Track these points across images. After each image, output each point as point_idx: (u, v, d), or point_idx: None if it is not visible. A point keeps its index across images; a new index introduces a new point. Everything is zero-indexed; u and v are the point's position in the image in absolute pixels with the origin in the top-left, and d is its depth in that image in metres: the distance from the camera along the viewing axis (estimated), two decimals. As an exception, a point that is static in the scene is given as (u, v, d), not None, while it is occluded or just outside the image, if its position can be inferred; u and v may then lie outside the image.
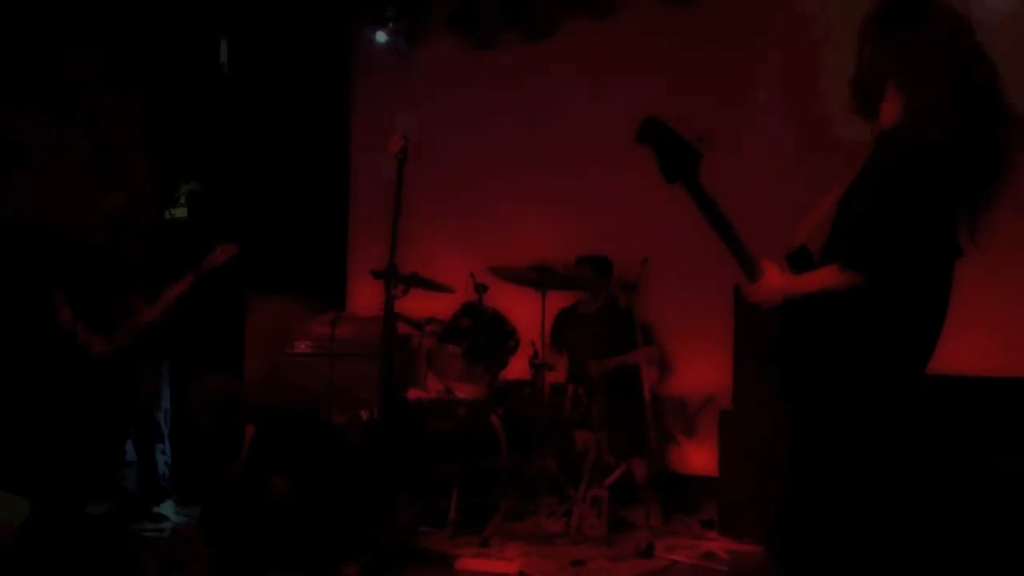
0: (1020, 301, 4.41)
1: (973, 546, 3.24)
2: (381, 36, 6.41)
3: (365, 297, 6.40)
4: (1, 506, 3.42)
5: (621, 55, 5.65)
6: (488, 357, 4.66)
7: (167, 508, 4.59)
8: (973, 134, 2.08)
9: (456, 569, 3.71)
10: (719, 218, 2.21)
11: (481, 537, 4.06)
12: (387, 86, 6.68)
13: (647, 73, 5.49)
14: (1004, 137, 2.12)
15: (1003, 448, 3.40)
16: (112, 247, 4.55)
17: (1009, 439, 3.41)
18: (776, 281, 2.26)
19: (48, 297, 4.38)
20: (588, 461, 4.40)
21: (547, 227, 5.78)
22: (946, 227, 2.14)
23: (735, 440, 4.32)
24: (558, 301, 5.11)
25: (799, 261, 2.28)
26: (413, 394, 4.98)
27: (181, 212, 5.87)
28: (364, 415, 4.72)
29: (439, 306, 4.85)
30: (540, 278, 4.57)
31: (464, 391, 4.87)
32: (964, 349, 3.11)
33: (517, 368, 4.91)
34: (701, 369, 5.18)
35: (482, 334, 4.63)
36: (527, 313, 4.75)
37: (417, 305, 4.56)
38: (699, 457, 5.08)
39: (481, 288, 4.77)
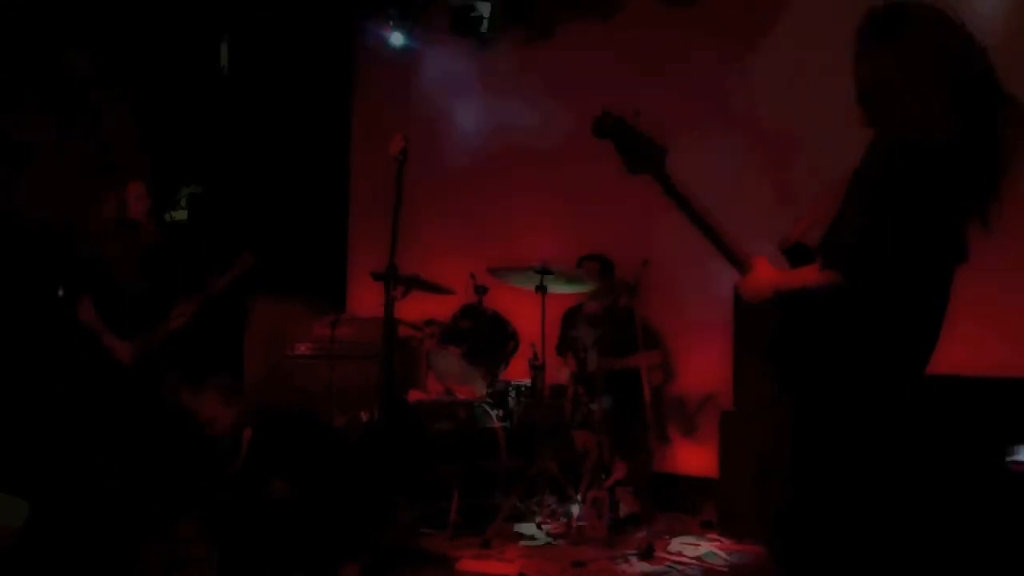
0: None
1: (976, 545, 3.24)
2: (395, 37, 6.38)
3: (365, 299, 6.41)
4: (1, 508, 3.42)
5: (621, 55, 5.65)
6: (488, 358, 4.67)
7: None
8: (975, 130, 2.09)
9: (457, 570, 3.70)
10: (695, 212, 2.24)
11: (482, 538, 4.06)
12: (388, 87, 6.69)
13: (647, 73, 5.49)
14: (1007, 123, 2.12)
15: (1007, 446, 3.40)
16: (113, 248, 4.55)
17: (1013, 437, 3.40)
18: (765, 275, 2.27)
19: (55, 298, 4.37)
20: (588, 462, 4.41)
21: (547, 228, 5.78)
22: (941, 230, 2.14)
23: (735, 441, 4.32)
24: (558, 303, 5.11)
25: (797, 256, 2.29)
26: (413, 395, 4.98)
27: (182, 214, 5.88)
28: (364, 416, 4.73)
29: (439, 308, 4.85)
30: (540, 279, 4.57)
31: (464, 392, 4.88)
32: (968, 347, 3.12)
33: (517, 369, 4.91)
34: (701, 370, 5.18)
35: (482, 335, 4.63)
36: (527, 314, 4.75)
37: (417, 307, 4.57)
38: (699, 458, 5.08)
39: (481, 290, 4.78)
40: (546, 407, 4.62)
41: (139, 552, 3.48)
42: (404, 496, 4.35)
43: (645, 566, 3.80)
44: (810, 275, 2.18)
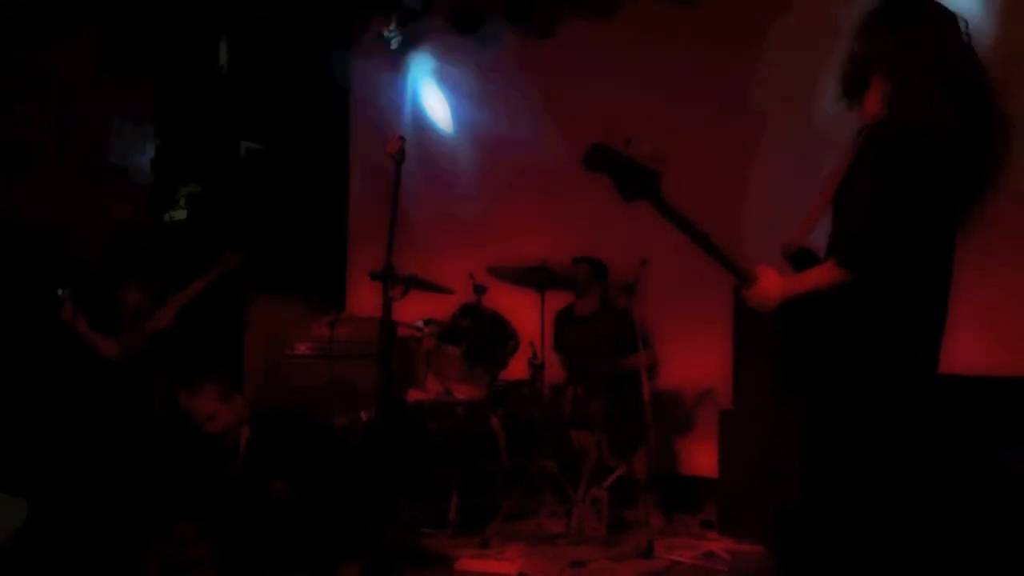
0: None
1: (977, 545, 3.24)
2: (393, 36, 6.37)
3: (364, 298, 6.40)
4: (1, 507, 3.42)
5: (622, 55, 5.64)
6: (488, 358, 4.66)
7: None
8: (962, 130, 2.09)
9: (456, 570, 3.71)
10: (694, 231, 2.24)
11: (481, 538, 4.06)
12: (386, 87, 6.68)
13: (648, 73, 5.49)
14: (994, 137, 2.14)
15: (1006, 446, 3.39)
16: (112, 249, 4.55)
17: (1013, 437, 3.40)
18: (772, 285, 2.27)
19: (53, 299, 4.37)
20: (588, 462, 4.40)
21: (546, 228, 5.77)
22: (938, 218, 2.15)
23: (735, 440, 4.31)
24: (557, 302, 5.10)
25: (801, 261, 2.28)
26: (413, 395, 4.97)
27: (181, 214, 5.88)
28: (364, 416, 4.72)
29: (438, 307, 4.85)
30: (539, 279, 4.56)
31: (463, 392, 4.87)
32: (967, 348, 3.11)
33: (516, 369, 4.90)
34: (700, 371, 5.17)
35: (481, 335, 4.62)
36: (526, 314, 4.74)
37: (416, 306, 4.56)
38: (699, 458, 5.07)
39: (480, 289, 4.77)
40: (545, 406, 4.61)
41: (138, 553, 3.48)
42: (404, 496, 4.35)
43: (645, 566, 3.80)
44: (816, 276, 2.18)
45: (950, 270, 2.20)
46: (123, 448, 4.21)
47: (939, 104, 2.09)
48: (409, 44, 6.46)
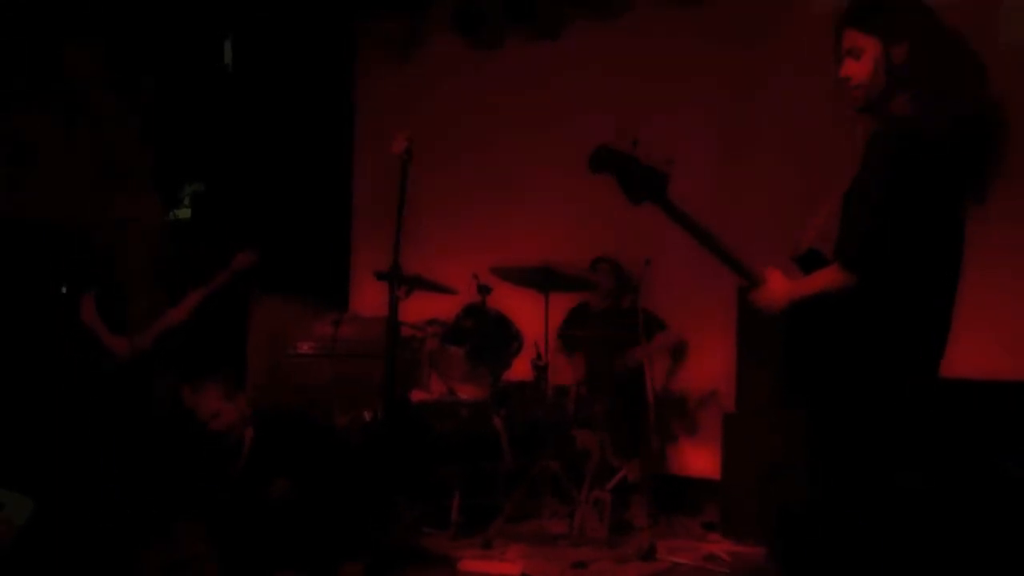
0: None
1: (978, 548, 3.23)
2: (398, 36, 6.37)
3: (368, 298, 6.40)
4: (4, 502, 3.42)
5: (628, 55, 5.64)
6: (491, 359, 4.66)
7: None
8: (964, 125, 2.09)
9: (458, 570, 3.71)
10: (701, 233, 2.25)
11: (484, 538, 4.06)
12: (390, 86, 6.68)
13: (654, 73, 5.49)
14: (992, 125, 2.13)
15: (1009, 452, 3.39)
16: (118, 247, 4.56)
17: (1015, 442, 3.39)
18: (779, 287, 2.27)
19: (57, 297, 4.38)
20: (591, 463, 4.40)
21: (550, 228, 5.77)
22: (945, 220, 2.14)
23: (738, 442, 4.31)
24: (562, 302, 5.10)
25: (809, 263, 2.28)
26: (416, 395, 4.97)
27: (185, 213, 5.88)
28: (367, 416, 4.73)
29: (442, 307, 4.85)
30: (543, 279, 4.56)
31: (467, 392, 4.87)
32: (970, 352, 3.10)
33: (520, 370, 4.90)
34: (704, 372, 5.17)
35: (485, 336, 4.62)
36: (530, 315, 4.74)
37: (420, 306, 4.55)
38: (701, 459, 5.07)
39: (484, 289, 4.77)
40: (548, 407, 4.61)
41: (138, 552, 3.48)
42: (406, 496, 4.35)
43: (647, 568, 3.80)
44: (824, 278, 2.17)
45: (957, 272, 2.19)
46: (123, 447, 4.21)
47: (943, 105, 2.09)
48: (413, 42, 6.45)
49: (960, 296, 2.20)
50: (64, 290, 4.73)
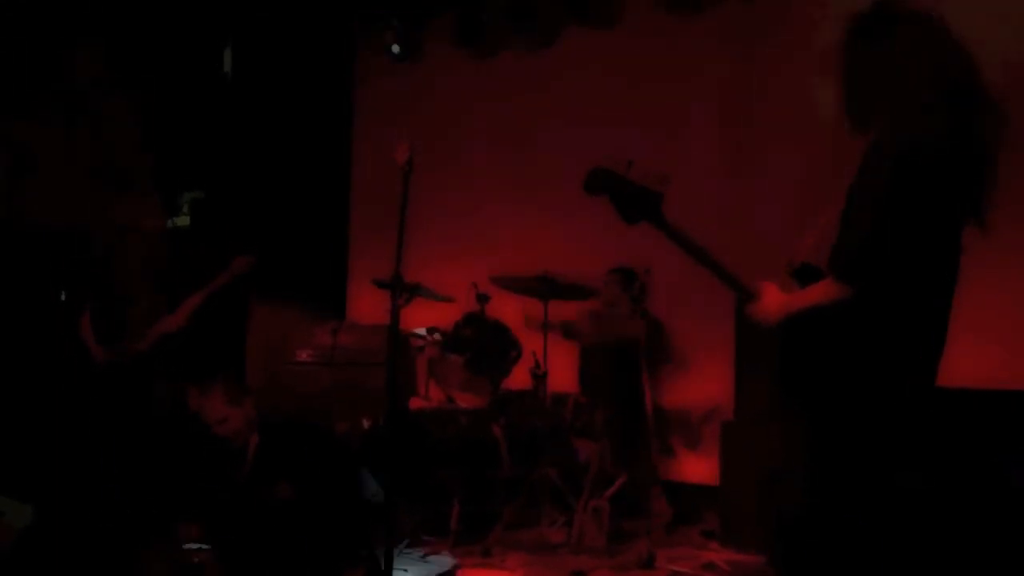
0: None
1: (979, 555, 3.25)
2: (396, 45, 6.38)
3: (365, 306, 6.41)
4: (4, 510, 3.42)
5: (625, 64, 5.66)
6: (490, 367, 4.67)
7: None
8: (960, 132, 2.10)
9: (458, 579, 3.72)
10: (697, 251, 2.26)
11: (483, 546, 4.06)
12: (389, 95, 6.70)
13: (652, 82, 5.51)
14: (991, 127, 2.15)
15: (1010, 459, 3.40)
16: (117, 253, 4.57)
17: (1016, 451, 3.40)
18: (774, 300, 2.28)
19: (57, 301, 4.39)
20: (589, 471, 4.41)
21: (549, 237, 5.79)
22: (940, 233, 2.16)
23: (737, 450, 4.32)
24: (560, 311, 5.11)
25: (805, 277, 2.29)
26: (415, 403, 4.98)
27: (184, 220, 5.89)
28: (366, 423, 4.73)
29: (441, 316, 4.86)
30: (542, 288, 4.57)
31: (466, 400, 4.88)
32: (972, 361, 3.12)
33: (519, 378, 4.91)
34: (702, 380, 5.18)
35: (484, 344, 4.63)
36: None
37: (419, 315, 4.57)
38: (700, 467, 5.08)
39: (483, 298, 4.78)
40: (547, 415, 4.62)
41: (139, 553, 3.48)
42: (405, 503, 4.35)
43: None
44: (819, 292, 2.18)
45: (953, 282, 2.20)
46: (124, 449, 4.22)
47: (938, 116, 2.10)
48: (412, 51, 6.47)
49: (965, 304, 2.21)
50: (63, 296, 4.72)
